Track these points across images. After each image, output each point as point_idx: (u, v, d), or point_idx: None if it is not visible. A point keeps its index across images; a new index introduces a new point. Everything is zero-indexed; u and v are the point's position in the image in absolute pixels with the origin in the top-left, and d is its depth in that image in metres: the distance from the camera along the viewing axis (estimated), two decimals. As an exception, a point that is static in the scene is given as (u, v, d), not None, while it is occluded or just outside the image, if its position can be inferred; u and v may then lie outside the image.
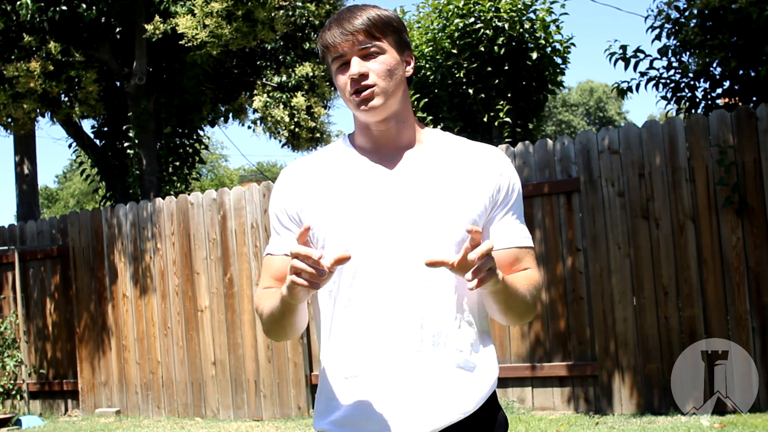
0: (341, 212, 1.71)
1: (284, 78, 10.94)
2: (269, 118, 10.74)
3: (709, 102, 7.06)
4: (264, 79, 11.19)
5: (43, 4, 8.82)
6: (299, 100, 10.58)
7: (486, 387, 1.73)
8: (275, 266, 1.79)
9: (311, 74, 10.87)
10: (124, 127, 10.10)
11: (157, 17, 8.97)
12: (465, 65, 8.21)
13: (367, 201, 1.71)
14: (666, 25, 7.11)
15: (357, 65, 1.67)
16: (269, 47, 11.36)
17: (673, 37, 7.11)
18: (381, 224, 1.69)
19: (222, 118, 12.14)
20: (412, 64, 1.77)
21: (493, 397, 1.77)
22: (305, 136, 10.82)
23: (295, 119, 10.68)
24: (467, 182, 1.72)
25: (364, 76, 1.67)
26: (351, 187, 1.73)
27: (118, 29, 9.56)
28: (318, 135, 11.02)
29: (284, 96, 10.78)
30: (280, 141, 11.34)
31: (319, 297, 1.77)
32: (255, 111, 11.15)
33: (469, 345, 1.72)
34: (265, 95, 10.86)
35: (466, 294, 1.72)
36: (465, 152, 1.77)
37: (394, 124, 1.74)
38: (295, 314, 1.69)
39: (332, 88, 11.67)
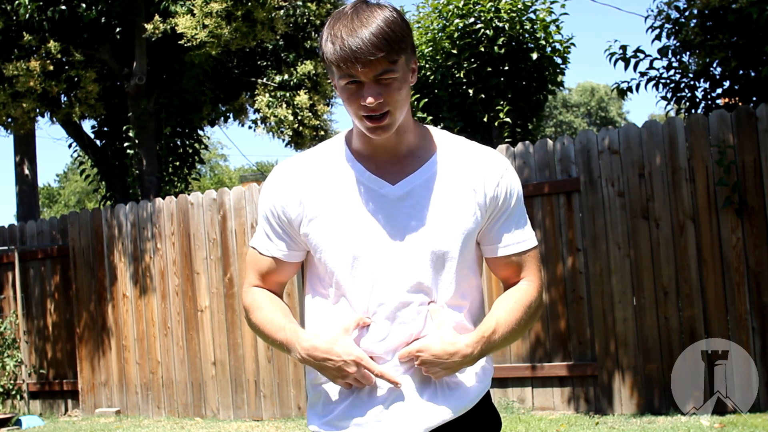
0: (337, 221, 1.70)
1: (286, 77, 10.93)
2: (272, 118, 10.72)
3: (709, 102, 7.06)
4: (265, 79, 11.19)
5: (42, 3, 8.82)
6: (302, 98, 10.56)
7: (479, 387, 1.75)
8: (264, 266, 1.80)
9: (313, 72, 10.85)
10: (124, 127, 10.10)
11: (156, 17, 8.97)
12: (465, 65, 8.21)
13: (362, 210, 1.70)
14: (666, 25, 7.11)
15: (373, 94, 1.60)
16: (270, 46, 11.35)
17: (673, 37, 7.10)
18: (377, 233, 1.69)
19: (222, 118, 12.14)
20: (416, 71, 1.72)
21: (486, 398, 1.78)
22: (309, 135, 10.79)
23: (299, 118, 10.66)
24: (465, 189, 1.72)
25: (380, 104, 1.61)
26: (346, 195, 1.71)
27: (118, 29, 9.56)
28: (322, 133, 11.00)
29: (287, 95, 10.76)
30: (283, 140, 11.31)
31: (316, 301, 1.78)
32: (257, 111, 11.13)
33: None
34: (268, 94, 10.85)
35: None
36: (463, 157, 1.75)
37: (395, 135, 1.71)
38: None
39: (334, 86, 11.63)
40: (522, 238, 1.76)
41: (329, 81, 11.10)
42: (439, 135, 1.79)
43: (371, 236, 1.69)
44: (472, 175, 1.73)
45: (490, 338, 1.69)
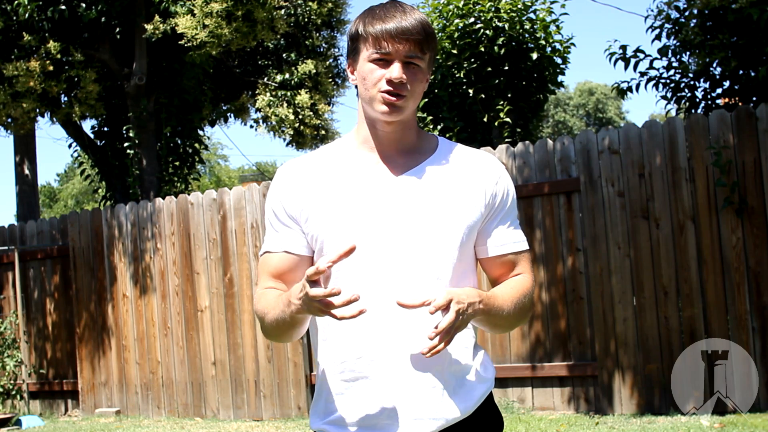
0: (340, 214, 1.73)
1: (287, 76, 10.92)
2: (273, 117, 10.71)
3: (709, 102, 7.06)
4: (266, 78, 11.18)
5: (41, 3, 8.82)
6: (303, 97, 10.54)
7: (482, 389, 1.76)
8: (273, 263, 1.80)
9: (314, 71, 10.84)
10: (124, 127, 10.09)
11: (156, 17, 8.97)
12: (465, 65, 8.21)
13: (366, 204, 1.72)
14: (666, 25, 7.12)
15: (400, 70, 1.68)
16: (271, 46, 11.34)
17: (673, 37, 7.11)
18: (380, 228, 1.71)
19: (223, 118, 12.13)
20: (428, 83, 1.80)
21: (489, 399, 1.79)
22: (310, 134, 10.78)
23: (300, 117, 10.65)
24: (465, 189, 1.76)
25: (403, 84, 1.69)
26: (351, 188, 1.74)
27: (118, 29, 9.56)
28: (323, 132, 10.98)
29: (288, 94, 10.76)
30: (284, 140, 11.30)
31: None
32: (258, 110, 11.13)
33: (465, 348, 1.75)
34: (269, 94, 10.84)
35: None
36: (462, 159, 1.80)
37: (400, 128, 1.77)
38: (304, 323, 1.74)
39: (335, 86, 11.60)
40: (517, 239, 1.82)
41: (330, 80, 11.16)
42: (439, 138, 1.86)
43: (372, 223, 1.71)
44: (473, 172, 1.78)
45: (488, 299, 1.69)
